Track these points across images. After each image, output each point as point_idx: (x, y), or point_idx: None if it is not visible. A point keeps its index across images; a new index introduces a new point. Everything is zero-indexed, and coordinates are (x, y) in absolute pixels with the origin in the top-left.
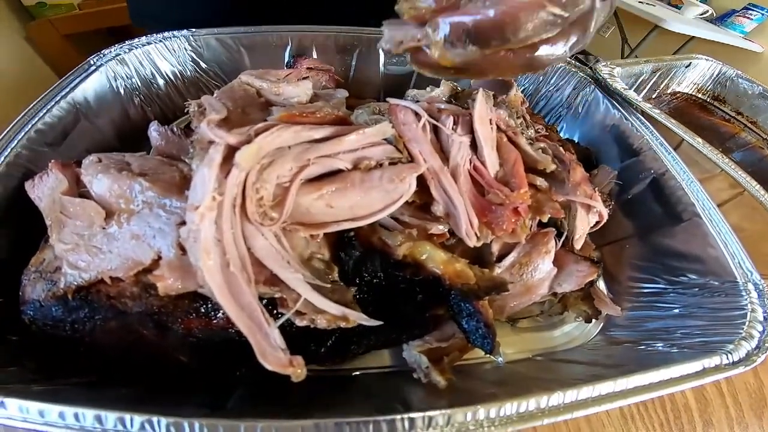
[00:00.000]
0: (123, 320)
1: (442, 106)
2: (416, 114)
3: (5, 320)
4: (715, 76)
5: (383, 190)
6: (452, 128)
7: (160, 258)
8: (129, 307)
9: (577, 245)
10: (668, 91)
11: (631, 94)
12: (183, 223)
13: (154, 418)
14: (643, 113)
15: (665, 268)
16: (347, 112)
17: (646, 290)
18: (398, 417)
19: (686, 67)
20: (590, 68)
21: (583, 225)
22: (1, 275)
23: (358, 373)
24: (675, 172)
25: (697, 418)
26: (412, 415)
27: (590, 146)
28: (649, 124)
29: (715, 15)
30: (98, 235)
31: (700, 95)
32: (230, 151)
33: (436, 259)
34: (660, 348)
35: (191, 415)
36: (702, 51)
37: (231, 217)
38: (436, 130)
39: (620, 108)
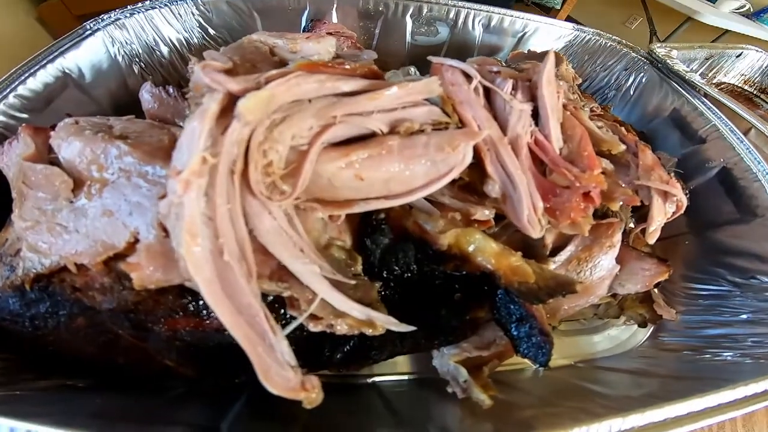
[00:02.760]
0: (93, 317)
1: (496, 69)
2: (466, 75)
3: None
4: (763, 68)
5: (429, 161)
6: (510, 93)
7: (137, 241)
8: (97, 302)
9: (652, 239)
10: (714, 81)
11: (696, 77)
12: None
13: None
14: (707, 96)
15: (731, 268)
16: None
17: (704, 293)
18: None
19: (737, 57)
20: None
21: (660, 215)
22: None
23: (372, 380)
24: (750, 163)
25: (740, 428)
26: None
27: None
28: (717, 110)
29: (752, 10)
30: (64, 211)
31: (746, 87)
32: (231, 102)
33: (486, 252)
34: (729, 358)
35: None
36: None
37: (228, 188)
38: (488, 95)
39: (683, 91)
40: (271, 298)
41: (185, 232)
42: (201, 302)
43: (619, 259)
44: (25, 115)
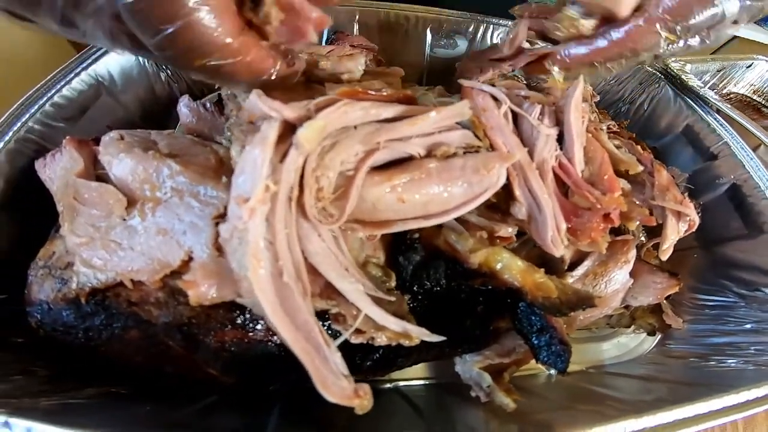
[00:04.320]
0: (146, 330)
1: (524, 93)
2: (495, 99)
3: (10, 320)
4: None
5: (466, 182)
6: (538, 118)
7: (191, 259)
8: (154, 316)
9: (665, 256)
10: (724, 92)
11: (709, 93)
12: (219, 216)
13: None
14: (719, 112)
15: (737, 281)
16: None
17: (710, 303)
18: None
19: (747, 67)
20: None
21: (674, 234)
22: (7, 266)
23: (394, 384)
24: (758, 180)
25: (741, 430)
26: None
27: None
28: (729, 127)
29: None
30: (117, 228)
31: (755, 97)
32: (286, 130)
33: (513, 269)
34: (733, 365)
35: None
36: (744, 51)
37: (286, 213)
38: (515, 119)
39: (696, 107)
40: None
41: (251, 257)
42: (248, 316)
43: (632, 273)
44: (61, 124)
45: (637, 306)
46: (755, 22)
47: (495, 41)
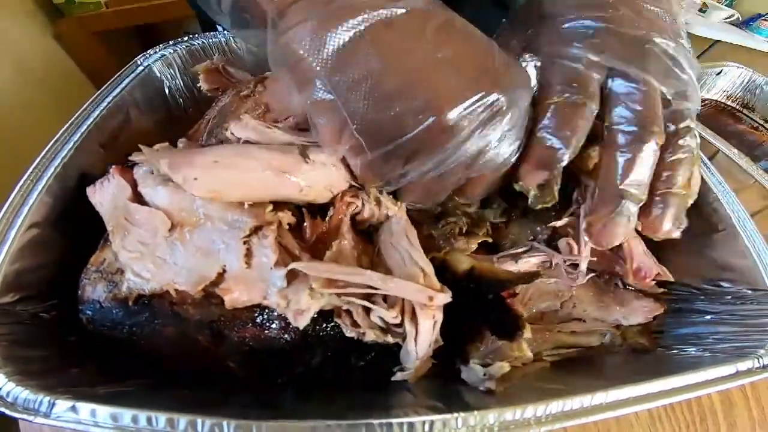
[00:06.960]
0: (181, 326)
1: None
2: None
3: (61, 322)
4: (744, 83)
5: None
6: None
7: (224, 271)
8: (190, 314)
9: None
10: None
11: None
12: (246, 236)
13: (224, 422)
14: None
15: (699, 276)
16: None
17: (676, 297)
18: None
19: (717, 74)
20: None
21: None
22: (57, 275)
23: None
24: (711, 184)
25: (722, 420)
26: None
27: None
28: None
29: (741, 19)
30: (162, 246)
31: (729, 102)
32: None
33: (465, 263)
34: (693, 352)
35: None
36: (725, 55)
37: None
38: None
39: None
40: None
41: None
42: (265, 316)
43: (620, 302)
44: (98, 150)
45: (628, 327)
46: (737, 26)
47: None
